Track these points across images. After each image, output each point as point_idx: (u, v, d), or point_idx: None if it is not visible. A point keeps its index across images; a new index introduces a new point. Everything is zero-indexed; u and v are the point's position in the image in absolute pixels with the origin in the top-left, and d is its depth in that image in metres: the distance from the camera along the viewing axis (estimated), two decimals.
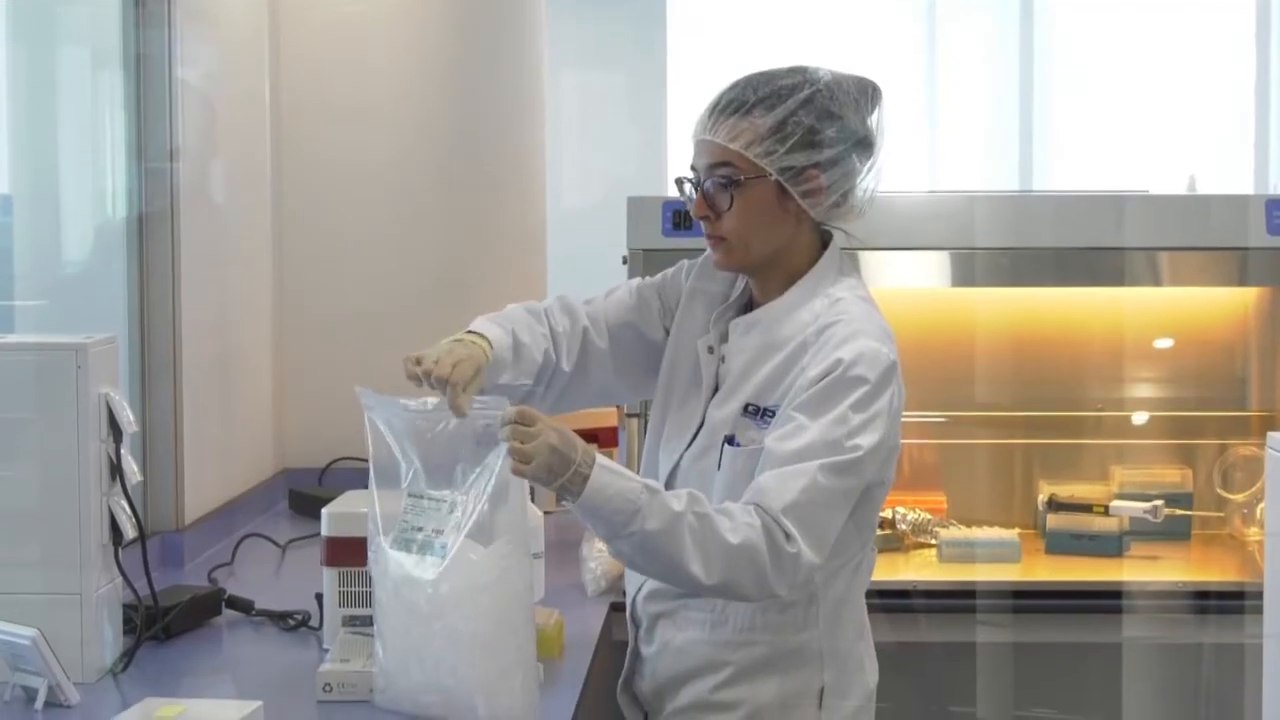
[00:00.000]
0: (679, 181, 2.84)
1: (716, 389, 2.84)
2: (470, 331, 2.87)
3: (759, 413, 2.75)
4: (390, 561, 2.66)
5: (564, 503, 2.60)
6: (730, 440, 2.78)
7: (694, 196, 2.80)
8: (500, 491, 2.61)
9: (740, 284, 2.91)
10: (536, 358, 2.90)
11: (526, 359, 2.88)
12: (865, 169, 2.79)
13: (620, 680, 3.01)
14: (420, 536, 2.65)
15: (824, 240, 2.86)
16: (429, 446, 2.73)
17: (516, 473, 2.55)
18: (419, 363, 2.76)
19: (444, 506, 2.65)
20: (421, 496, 2.68)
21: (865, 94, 2.80)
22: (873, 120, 2.80)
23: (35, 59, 3.78)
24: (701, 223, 2.80)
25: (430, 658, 2.62)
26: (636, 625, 2.96)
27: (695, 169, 2.80)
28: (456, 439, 2.69)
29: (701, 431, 2.83)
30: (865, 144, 2.78)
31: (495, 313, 2.94)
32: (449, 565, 2.59)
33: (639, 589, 2.93)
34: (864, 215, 2.83)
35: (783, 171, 2.73)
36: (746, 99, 2.75)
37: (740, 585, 2.61)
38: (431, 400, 2.75)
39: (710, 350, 2.86)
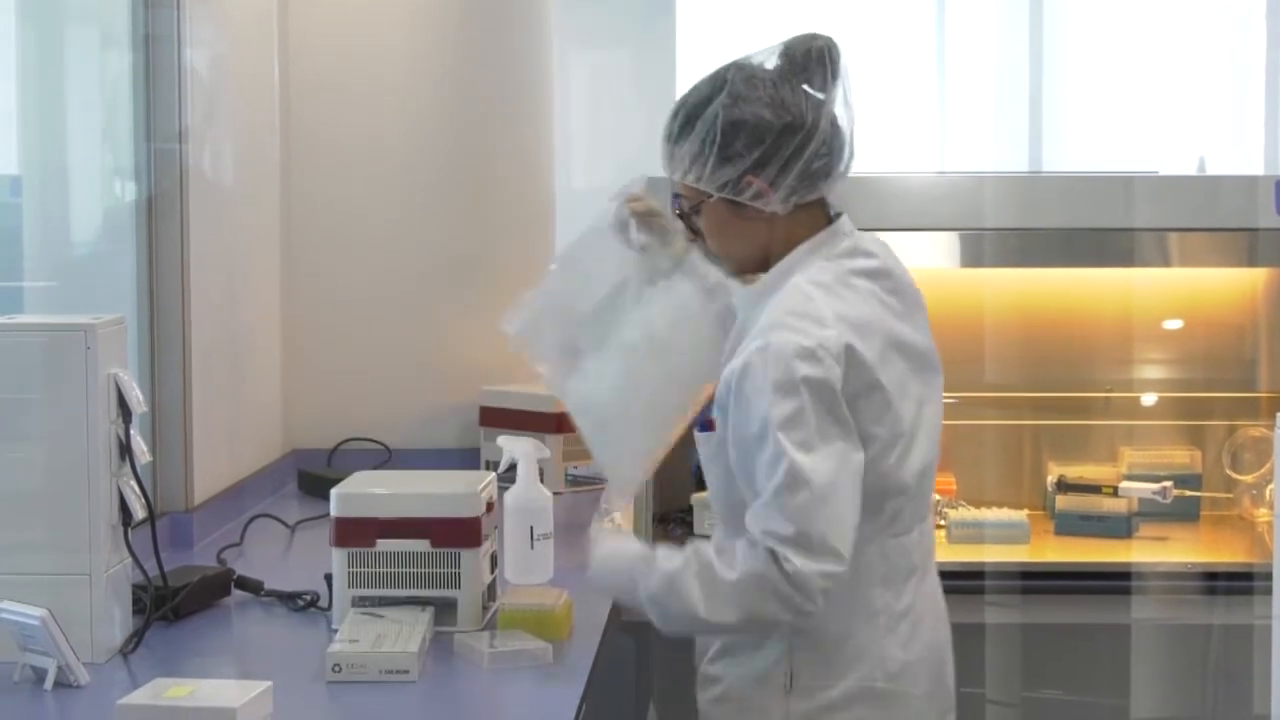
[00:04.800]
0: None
1: None
2: None
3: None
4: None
5: None
6: (703, 426, 2.82)
7: None
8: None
9: None
10: None
11: None
12: (808, 147, 2.76)
13: None
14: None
15: (829, 216, 2.86)
16: None
17: None
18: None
19: None
20: None
21: (795, 70, 2.78)
22: (801, 96, 2.77)
23: (44, 40, 3.78)
24: None
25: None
26: None
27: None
28: None
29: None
30: (792, 128, 2.75)
31: None
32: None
33: None
34: (841, 179, 2.83)
35: (721, 188, 2.78)
36: (672, 129, 2.81)
37: (765, 613, 2.63)
38: None
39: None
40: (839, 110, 2.79)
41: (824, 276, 2.77)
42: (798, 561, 2.58)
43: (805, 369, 2.63)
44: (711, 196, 2.80)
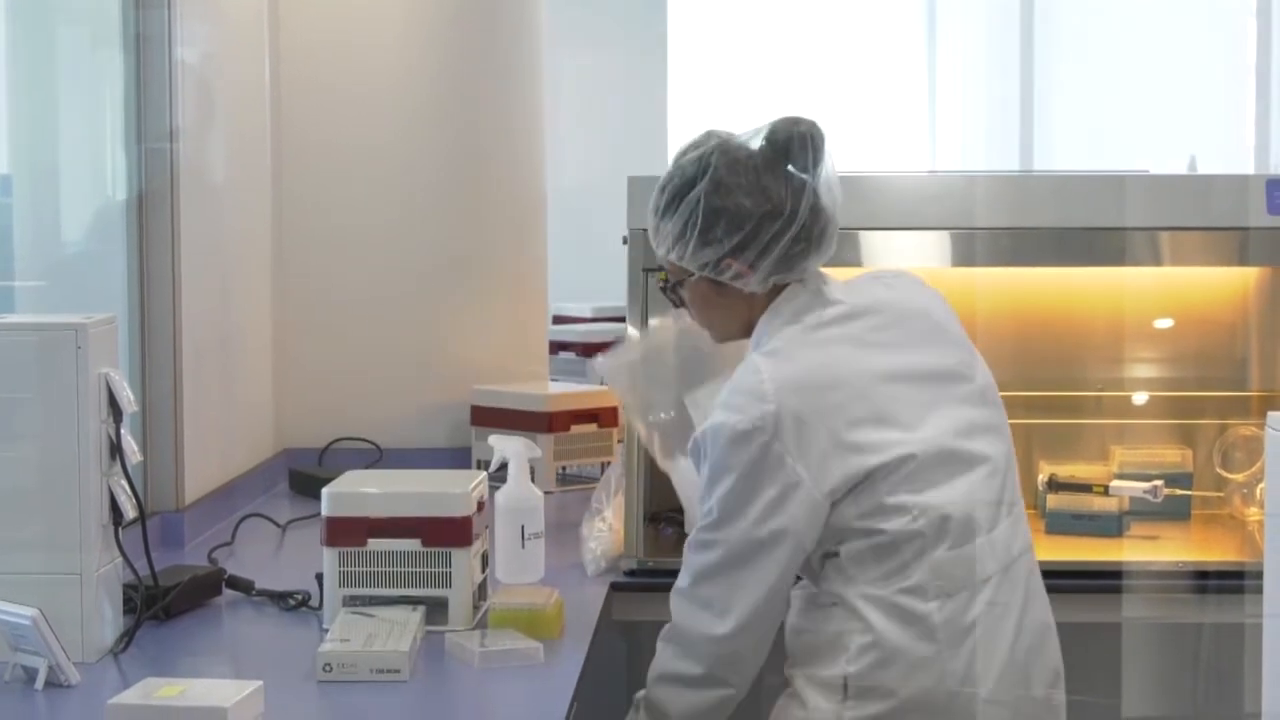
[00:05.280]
0: None
1: None
2: None
3: None
4: None
5: None
6: None
7: None
8: None
9: None
10: None
11: None
12: (788, 233, 2.83)
13: None
14: None
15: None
16: None
17: None
18: None
19: None
20: None
21: (778, 155, 2.86)
22: (782, 183, 2.84)
23: (35, 39, 3.78)
24: None
25: None
26: None
27: None
28: None
29: None
30: (772, 215, 2.83)
31: None
32: None
33: None
34: (827, 255, 2.91)
35: (701, 268, 2.89)
36: (659, 203, 2.91)
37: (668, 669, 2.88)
38: None
39: None
40: (821, 193, 2.86)
41: (781, 343, 2.86)
42: (676, 617, 2.84)
43: (736, 452, 2.76)
44: (694, 275, 2.91)
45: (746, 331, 2.95)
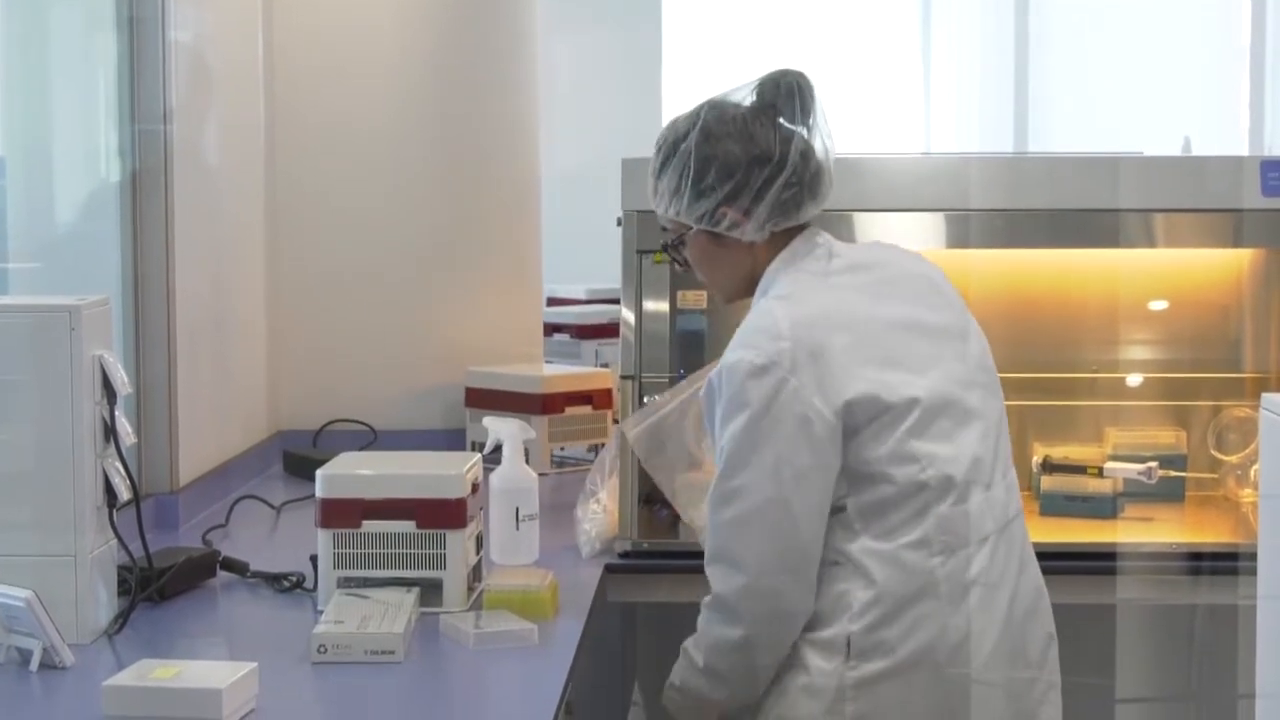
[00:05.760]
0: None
1: None
2: None
3: None
4: None
5: None
6: None
7: None
8: None
9: None
10: None
11: None
12: (779, 178, 2.89)
13: None
14: None
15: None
16: None
17: None
18: None
19: None
20: None
21: (765, 106, 2.93)
22: (770, 130, 2.91)
23: (28, 21, 3.77)
24: None
25: None
26: None
27: None
28: None
29: None
30: (760, 160, 2.89)
31: None
32: None
33: None
34: (822, 201, 2.96)
35: (699, 220, 2.94)
36: (655, 164, 2.98)
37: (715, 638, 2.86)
38: None
39: None
40: (815, 141, 2.93)
41: (793, 288, 2.90)
42: (716, 585, 2.82)
43: (754, 386, 2.77)
44: (692, 229, 2.96)
45: (751, 288, 2.98)
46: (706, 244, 2.97)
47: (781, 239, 2.95)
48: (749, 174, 2.89)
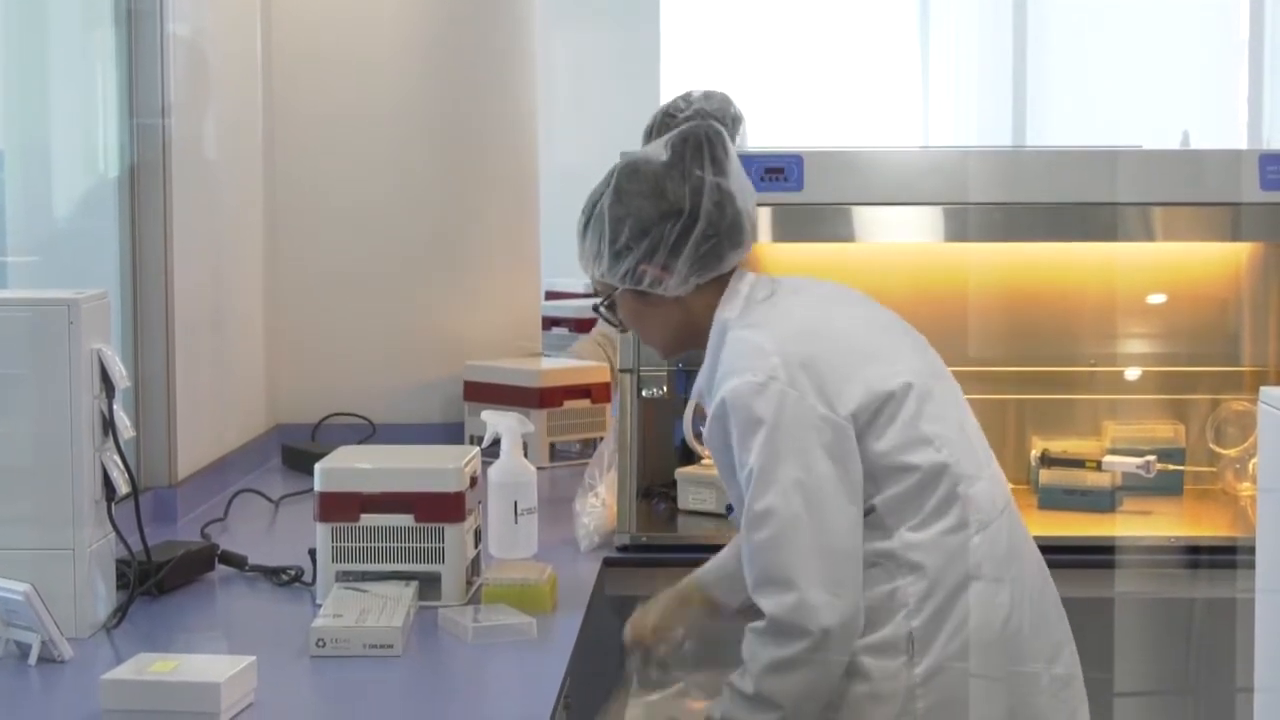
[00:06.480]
0: None
1: None
2: None
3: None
4: None
5: None
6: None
7: None
8: None
9: None
10: None
11: None
12: (694, 230, 2.88)
13: None
14: None
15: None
16: None
17: None
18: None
19: None
20: None
21: (676, 160, 2.90)
22: (680, 183, 2.89)
23: (26, 15, 3.77)
24: None
25: None
26: None
27: None
28: None
29: None
30: (670, 214, 2.88)
31: None
32: None
33: None
34: (745, 249, 2.94)
35: (622, 280, 2.93)
36: (578, 227, 2.98)
37: (785, 659, 2.77)
38: None
39: None
40: (726, 189, 2.89)
41: (753, 317, 2.90)
42: (768, 608, 2.75)
43: (761, 402, 2.77)
44: (618, 289, 2.95)
45: (688, 342, 2.99)
46: (634, 302, 2.97)
47: (712, 288, 2.93)
48: (662, 229, 2.87)
